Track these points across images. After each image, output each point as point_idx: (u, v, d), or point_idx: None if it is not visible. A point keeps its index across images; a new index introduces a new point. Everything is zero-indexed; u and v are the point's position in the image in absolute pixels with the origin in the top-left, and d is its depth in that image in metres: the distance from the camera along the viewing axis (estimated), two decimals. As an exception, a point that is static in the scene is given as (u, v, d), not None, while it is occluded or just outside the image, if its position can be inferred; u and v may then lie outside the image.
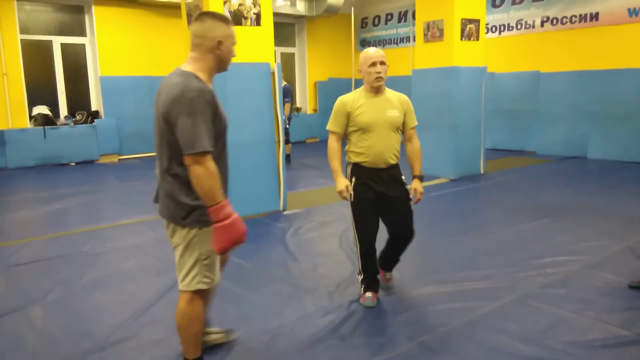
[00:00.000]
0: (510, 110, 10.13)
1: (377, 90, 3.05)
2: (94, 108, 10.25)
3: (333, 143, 3.10)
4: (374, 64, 2.97)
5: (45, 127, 9.06)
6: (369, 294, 3.17)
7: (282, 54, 12.72)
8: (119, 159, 10.01)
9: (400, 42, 12.45)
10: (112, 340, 2.77)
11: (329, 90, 12.96)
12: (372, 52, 3.00)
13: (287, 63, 12.85)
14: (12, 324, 2.98)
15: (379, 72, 2.97)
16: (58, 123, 9.43)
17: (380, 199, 3.08)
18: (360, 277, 3.26)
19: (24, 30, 9.33)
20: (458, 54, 7.12)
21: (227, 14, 4.93)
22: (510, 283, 3.44)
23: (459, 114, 7.25)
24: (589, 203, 5.64)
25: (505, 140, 10.31)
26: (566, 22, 9.29)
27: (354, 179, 3.08)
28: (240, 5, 5.01)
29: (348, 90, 12.62)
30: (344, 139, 3.17)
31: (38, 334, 2.86)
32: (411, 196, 3.14)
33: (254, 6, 5.10)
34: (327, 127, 3.13)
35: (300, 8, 11.72)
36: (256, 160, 5.28)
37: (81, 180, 7.77)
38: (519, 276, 3.56)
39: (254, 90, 5.18)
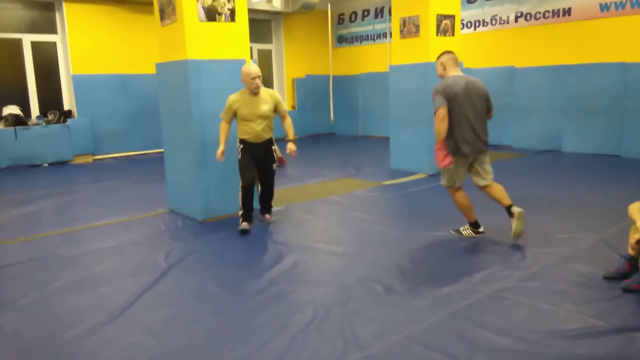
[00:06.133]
0: (487, 105, 10.19)
1: (255, 93, 4.60)
2: (66, 107, 10.04)
3: (223, 125, 4.68)
4: (254, 78, 4.51)
5: (17, 127, 8.83)
6: (244, 224, 4.69)
7: (259, 51, 12.64)
8: (94, 159, 9.82)
9: (377, 38, 12.47)
10: (85, 345, 2.70)
11: (306, 87, 12.92)
12: (252, 68, 4.51)
13: (264, 60, 12.77)
14: (-19, 331, 2.89)
15: (258, 84, 4.55)
16: (30, 123, 9.20)
17: (258, 160, 4.73)
18: (240, 212, 4.76)
19: (-8, 28, 9.08)
20: (434, 49, 7.14)
21: (201, 10, 4.86)
22: (486, 276, 3.47)
23: (436, 109, 7.26)
24: (564, 196, 5.72)
25: (482, 135, 10.36)
26: (539, 18, 9.41)
27: (241, 146, 4.70)
28: (214, 0, 4.94)
29: (326, 86, 12.67)
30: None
31: (7, 340, 2.78)
32: (287, 152, 4.73)
33: (228, 2, 5.03)
34: (221, 115, 4.70)
35: (277, 4, 11.64)
36: (231, 159, 5.22)
37: (54, 182, 7.60)
38: (495, 269, 3.59)
39: (228, 86, 5.10)
